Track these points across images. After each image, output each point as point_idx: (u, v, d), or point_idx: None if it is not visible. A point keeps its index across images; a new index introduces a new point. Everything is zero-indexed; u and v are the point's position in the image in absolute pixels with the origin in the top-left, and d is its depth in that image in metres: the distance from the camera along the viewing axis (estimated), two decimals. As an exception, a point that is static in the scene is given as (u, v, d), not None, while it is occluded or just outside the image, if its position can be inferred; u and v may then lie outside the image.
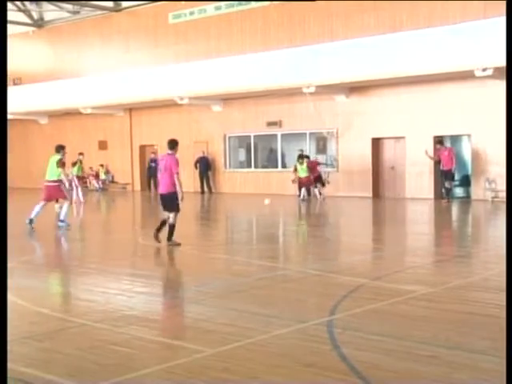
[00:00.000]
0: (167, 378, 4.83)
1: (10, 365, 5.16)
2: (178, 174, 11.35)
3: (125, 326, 6.25)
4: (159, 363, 5.13)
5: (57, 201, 15.26)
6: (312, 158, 23.75)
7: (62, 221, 14.68)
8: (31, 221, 14.53)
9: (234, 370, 4.98)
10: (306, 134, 25.22)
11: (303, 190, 22.31)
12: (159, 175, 11.71)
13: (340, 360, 5.14)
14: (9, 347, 5.66)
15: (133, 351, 5.47)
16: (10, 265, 9.97)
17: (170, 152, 11.57)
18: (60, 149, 15.04)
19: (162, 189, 11.56)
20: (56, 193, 14.72)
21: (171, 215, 11.55)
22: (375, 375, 4.84)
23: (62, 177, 14.74)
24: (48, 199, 14.86)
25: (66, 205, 14.76)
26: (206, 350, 5.44)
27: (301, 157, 22.50)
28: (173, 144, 11.58)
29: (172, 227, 11.59)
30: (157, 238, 11.64)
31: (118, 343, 5.71)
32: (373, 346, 5.49)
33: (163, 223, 11.74)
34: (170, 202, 11.49)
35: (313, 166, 22.51)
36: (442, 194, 21.50)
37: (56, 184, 14.66)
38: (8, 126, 33.83)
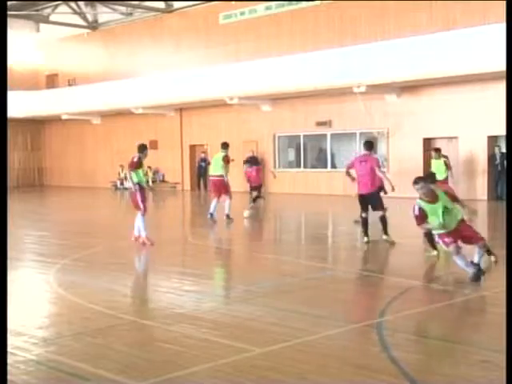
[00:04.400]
0: (215, 376, 4.86)
1: (62, 359, 5.29)
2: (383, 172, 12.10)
3: (174, 324, 6.31)
4: (208, 361, 5.16)
5: (219, 197, 15.53)
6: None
7: (228, 215, 15.13)
8: (211, 215, 15.30)
9: (282, 369, 4.97)
10: (355, 134, 24.99)
11: None
12: (359, 177, 11.50)
13: (390, 362, 5.07)
14: (63, 342, 5.80)
15: (182, 349, 5.51)
16: (63, 261, 10.19)
17: (367, 153, 11.75)
18: (226, 146, 15.42)
19: (364, 189, 11.50)
20: (220, 187, 15.29)
21: (381, 212, 11.52)
22: (426, 379, 4.77)
23: (223, 172, 15.21)
24: (215, 194, 15.44)
25: (227, 201, 15.32)
26: (254, 349, 5.44)
27: (437, 150, 17.37)
28: (370, 144, 12.00)
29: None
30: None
31: (167, 341, 5.76)
32: (424, 348, 5.41)
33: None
34: (375, 200, 11.56)
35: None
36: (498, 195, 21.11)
37: (220, 178, 15.34)
38: (64, 127, 34.86)
